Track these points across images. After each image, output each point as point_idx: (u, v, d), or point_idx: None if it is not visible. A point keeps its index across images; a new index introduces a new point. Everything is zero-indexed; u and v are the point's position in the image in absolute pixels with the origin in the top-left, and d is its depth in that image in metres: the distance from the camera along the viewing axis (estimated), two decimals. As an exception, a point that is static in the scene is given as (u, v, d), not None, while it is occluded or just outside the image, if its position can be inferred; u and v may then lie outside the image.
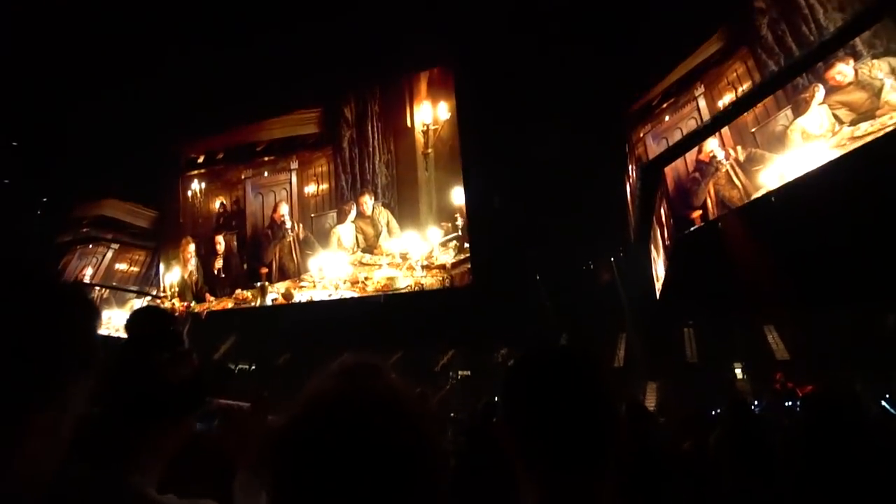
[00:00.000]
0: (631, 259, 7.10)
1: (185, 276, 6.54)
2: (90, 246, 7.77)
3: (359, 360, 0.60)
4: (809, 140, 3.41)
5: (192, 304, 6.38)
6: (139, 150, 6.82)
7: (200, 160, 6.83)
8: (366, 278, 5.13)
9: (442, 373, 9.74)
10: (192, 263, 6.49)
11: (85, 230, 7.89)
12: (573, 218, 6.65)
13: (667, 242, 4.89)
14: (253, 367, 9.75)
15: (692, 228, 4.49)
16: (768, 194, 3.84)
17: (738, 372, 7.94)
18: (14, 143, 7.24)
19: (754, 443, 1.65)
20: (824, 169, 3.30)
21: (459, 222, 4.95)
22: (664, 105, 4.61)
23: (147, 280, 7.44)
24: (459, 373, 9.51)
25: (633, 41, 4.67)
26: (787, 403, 6.31)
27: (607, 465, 0.63)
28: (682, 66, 4.41)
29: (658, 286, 6.02)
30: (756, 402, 6.63)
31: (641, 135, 4.87)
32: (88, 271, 7.61)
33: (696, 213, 4.20)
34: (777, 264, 4.94)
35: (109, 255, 7.64)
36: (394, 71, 5.60)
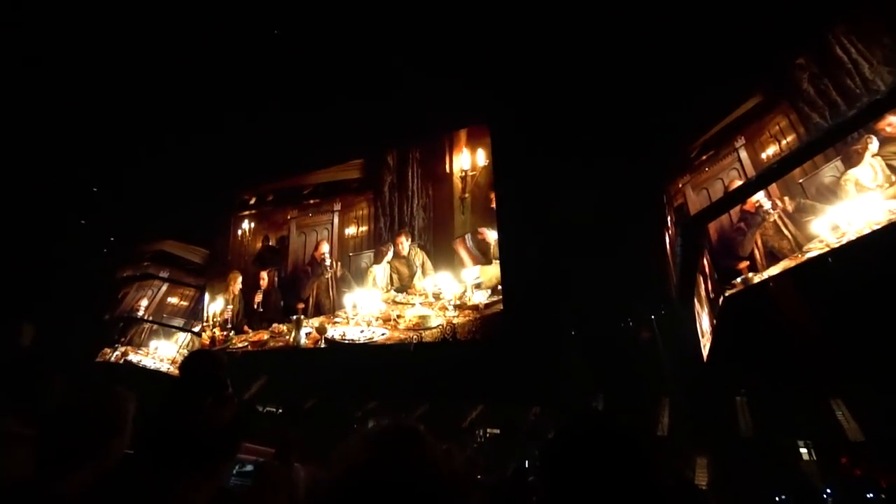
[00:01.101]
0: (673, 317, 6.73)
1: (228, 308, 6.84)
2: (150, 282, 8.37)
3: (397, 424, 0.60)
4: (863, 191, 3.26)
5: (231, 334, 6.60)
6: (200, 197, 7.47)
7: (252, 202, 7.36)
8: (398, 316, 5.14)
9: (469, 429, 9.25)
10: (237, 296, 6.81)
11: (145, 265, 8.54)
12: (610, 271, 6.49)
13: (711, 296, 4.64)
14: (280, 411, 9.69)
15: (739, 283, 4.26)
16: (825, 254, 3.63)
17: (804, 451, 7.02)
18: (94, 189, 8.13)
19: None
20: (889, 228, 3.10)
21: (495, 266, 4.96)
22: (703, 157, 4.59)
23: (195, 314, 7.83)
24: (488, 431, 8.99)
25: (671, 98, 4.78)
26: (868, 495, 5.45)
27: None
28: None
29: (704, 347, 5.62)
30: (829, 491, 5.78)
31: (680, 185, 4.82)
32: (144, 303, 8.15)
33: (743, 265, 4.00)
34: (836, 336, 4.52)
35: (164, 288, 8.20)
36: (432, 132, 6.00)
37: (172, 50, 5.27)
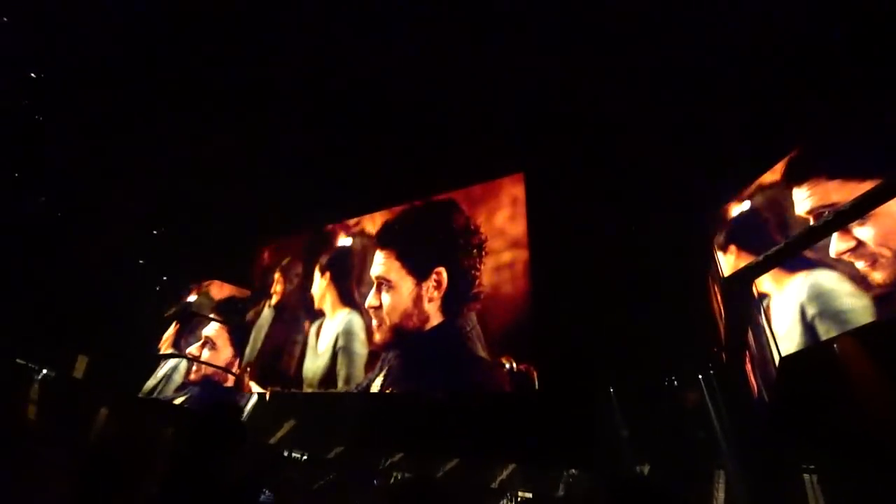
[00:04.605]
0: (723, 378, 6.21)
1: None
2: (194, 320, 8.77)
3: (419, 480, 0.59)
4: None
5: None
6: (244, 243, 7.94)
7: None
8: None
9: (499, 491, 8.61)
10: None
11: (191, 307, 8.99)
12: (652, 328, 6.17)
13: (766, 356, 4.29)
14: (305, 457, 9.51)
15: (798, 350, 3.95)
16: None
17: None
18: (155, 231, 8.84)
19: None
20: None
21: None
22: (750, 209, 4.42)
23: (235, 354, 8.07)
24: (519, 494, 8.33)
25: (716, 147, 4.73)
26: None
27: None
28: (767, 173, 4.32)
29: (761, 414, 5.11)
30: None
31: (726, 238, 4.64)
32: (189, 341, 8.50)
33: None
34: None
35: (209, 328, 8.56)
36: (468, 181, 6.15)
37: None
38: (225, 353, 8.43)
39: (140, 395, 8.03)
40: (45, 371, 8.34)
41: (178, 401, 7.98)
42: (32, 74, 6.13)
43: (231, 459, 1.08)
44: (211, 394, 8.01)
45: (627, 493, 0.61)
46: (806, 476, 6.53)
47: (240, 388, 7.14)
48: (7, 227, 7.50)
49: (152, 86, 5.77)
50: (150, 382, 8.25)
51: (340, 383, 5.68)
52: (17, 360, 8.24)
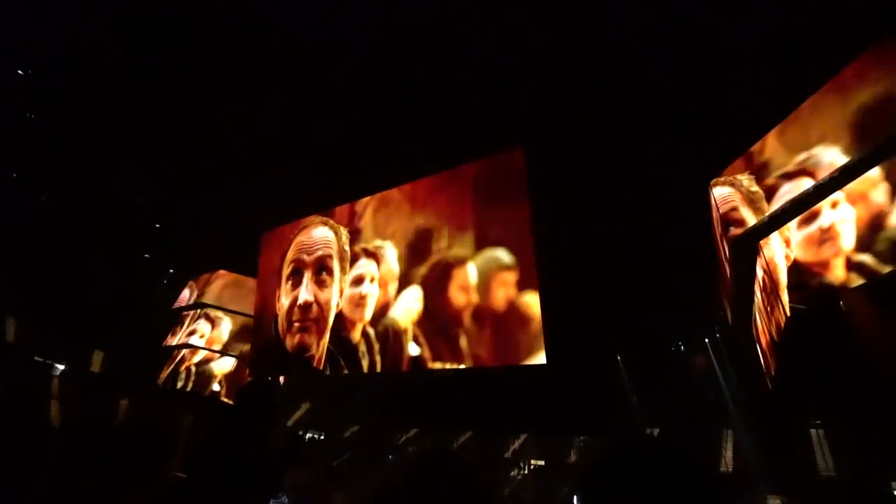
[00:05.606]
0: (729, 340, 6.27)
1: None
2: (203, 311, 8.86)
3: (431, 451, 0.59)
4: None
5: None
6: (248, 231, 7.94)
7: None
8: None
9: (512, 460, 8.88)
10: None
11: (199, 297, 9.06)
12: (658, 293, 6.19)
13: (772, 314, 4.30)
14: (322, 437, 9.80)
15: (804, 306, 3.94)
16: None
17: (900, 494, 6.14)
18: (157, 225, 8.84)
19: None
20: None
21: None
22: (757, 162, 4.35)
23: (244, 341, 8.20)
24: (532, 462, 8.59)
25: (720, 106, 4.61)
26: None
27: None
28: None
29: (767, 374, 5.17)
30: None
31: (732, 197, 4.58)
32: (200, 325, 8.62)
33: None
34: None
35: (218, 318, 8.67)
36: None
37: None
38: (237, 342, 8.57)
39: (157, 386, 8.23)
40: (63, 367, 8.54)
41: (193, 389, 8.17)
42: (20, 72, 6.03)
43: (259, 437, 1.11)
44: (229, 383, 8.18)
45: (637, 451, 0.60)
46: (812, 431, 6.68)
47: (253, 375, 7.29)
48: (15, 226, 7.54)
49: (151, 77, 5.64)
50: (166, 373, 8.43)
51: (365, 364, 5.67)
52: (36, 358, 8.43)
